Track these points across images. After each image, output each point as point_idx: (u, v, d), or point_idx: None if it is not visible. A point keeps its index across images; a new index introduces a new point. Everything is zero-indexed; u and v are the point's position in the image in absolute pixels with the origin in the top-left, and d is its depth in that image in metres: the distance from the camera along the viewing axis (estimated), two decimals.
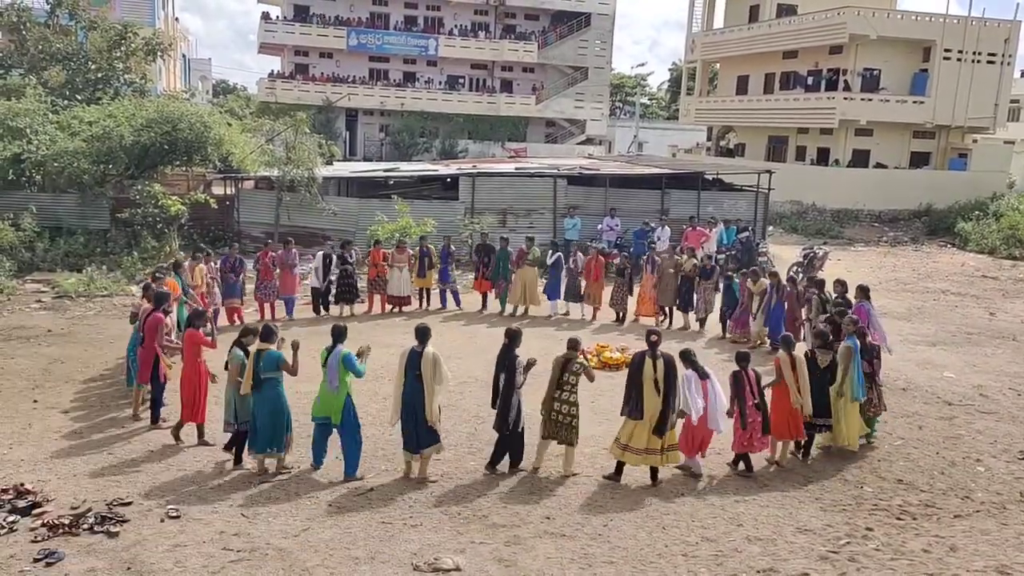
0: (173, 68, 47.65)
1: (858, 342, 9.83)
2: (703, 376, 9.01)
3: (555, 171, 25.24)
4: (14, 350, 13.41)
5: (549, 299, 17.02)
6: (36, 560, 6.93)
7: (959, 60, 35.92)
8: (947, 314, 18.75)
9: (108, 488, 8.40)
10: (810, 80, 38.67)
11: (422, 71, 50.27)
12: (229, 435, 9.28)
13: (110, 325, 14.98)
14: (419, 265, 17.05)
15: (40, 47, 27.70)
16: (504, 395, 8.86)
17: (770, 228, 27.93)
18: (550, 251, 17.21)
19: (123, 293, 17.54)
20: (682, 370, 8.92)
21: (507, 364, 8.90)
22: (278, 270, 15.89)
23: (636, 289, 16.79)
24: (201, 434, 9.69)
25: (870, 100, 35.85)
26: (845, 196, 34.45)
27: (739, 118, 43.25)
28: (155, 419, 10.21)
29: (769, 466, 9.51)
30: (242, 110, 44.95)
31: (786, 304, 14.21)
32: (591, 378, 9.13)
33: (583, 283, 16.78)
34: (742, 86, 43.78)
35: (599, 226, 22.46)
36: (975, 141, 38.51)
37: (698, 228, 21.55)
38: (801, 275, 16.93)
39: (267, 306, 15.90)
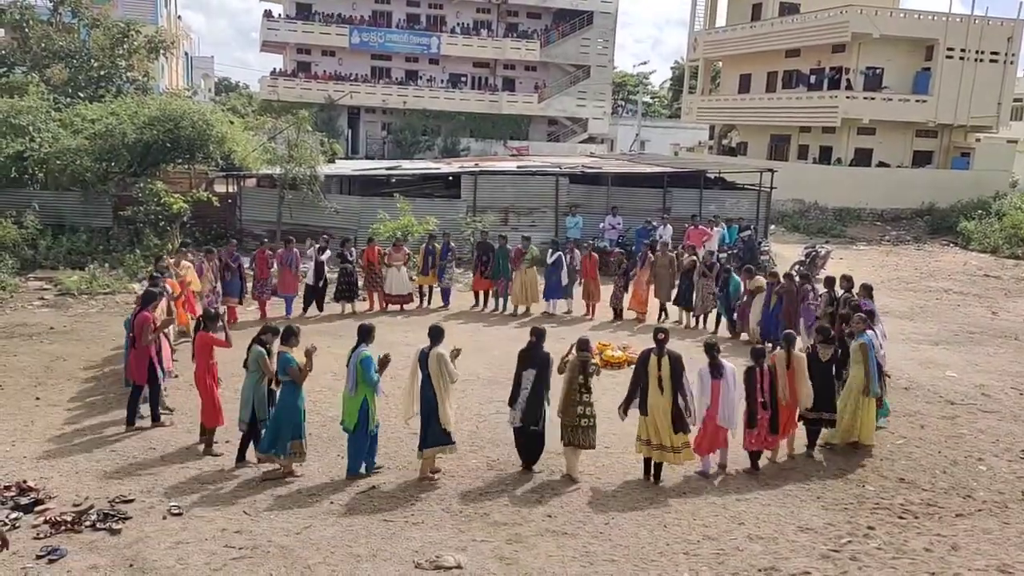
0: (175, 66, 47.66)
1: (872, 339, 9.86)
2: (717, 375, 8.99)
3: (557, 169, 25.24)
4: (16, 347, 13.44)
5: (547, 299, 16.98)
6: (39, 557, 6.96)
7: (962, 59, 35.82)
8: (949, 313, 18.74)
9: (110, 485, 8.42)
10: (812, 79, 38.63)
11: (424, 69, 50.18)
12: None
13: (112, 323, 14.98)
14: (423, 263, 17.05)
15: (43, 45, 27.71)
16: (535, 390, 8.86)
17: (772, 227, 27.88)
18: (550, 250, 17.16)
19: (125, 291, 17.56)
20: (691, 370, 8.91)
21: (538, 361, 8.91)
22: (275, 268, 15.86)
23: (631, 286, 16.81)
24: (210, 444, 9.39)
25: (873, 99, 35.77)
26: (847, 195, 34.39)
27: (741, 117, 43.20)
28: (155, 417, 10.21)
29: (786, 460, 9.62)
30: (244, 108, 45.09)
31: (784, 301, 14.15)
32: (597, 376, 9.20)
33: (579, 280, 16.85)
34: (744, 85, 43.71)
35: (601, 225, 22.47)
36: (978, 140, 38.41)
37: (700, 227, 21.55)
38: (797, 274, 16.85)
39: (267, 304, 15.86)
